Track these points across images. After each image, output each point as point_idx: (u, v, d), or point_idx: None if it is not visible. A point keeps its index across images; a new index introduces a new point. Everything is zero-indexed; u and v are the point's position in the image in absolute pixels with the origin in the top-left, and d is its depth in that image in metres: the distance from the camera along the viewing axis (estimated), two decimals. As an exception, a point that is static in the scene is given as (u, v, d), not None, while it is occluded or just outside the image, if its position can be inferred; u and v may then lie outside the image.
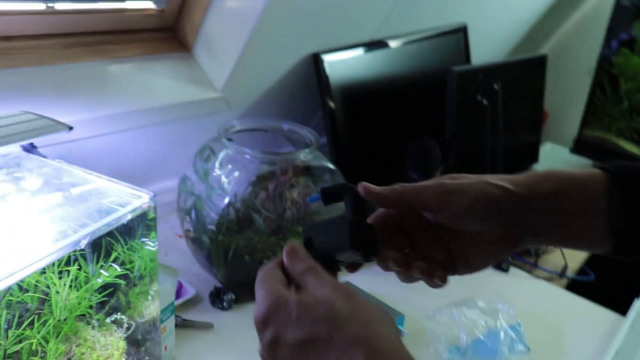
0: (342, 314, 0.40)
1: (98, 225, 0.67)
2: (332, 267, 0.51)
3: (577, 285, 1.35)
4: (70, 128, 0.74)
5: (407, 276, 0.53)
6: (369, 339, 0.38)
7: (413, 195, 0.51)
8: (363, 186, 0.51)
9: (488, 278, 1.25)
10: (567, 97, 2.32)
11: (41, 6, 1.01)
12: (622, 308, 1.14)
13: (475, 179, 0.51)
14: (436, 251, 0.53)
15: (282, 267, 0.47)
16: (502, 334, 0.97)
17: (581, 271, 1.37)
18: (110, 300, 0.76)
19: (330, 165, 1.08)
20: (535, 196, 0.49)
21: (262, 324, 0.42)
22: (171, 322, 0.90)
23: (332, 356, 0.38)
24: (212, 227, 1.01)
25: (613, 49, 2.04)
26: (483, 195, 0.49)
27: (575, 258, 1.39)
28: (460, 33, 1.72)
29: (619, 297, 1.18)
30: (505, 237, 0.51)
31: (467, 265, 0.53)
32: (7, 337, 0.60)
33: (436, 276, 0.52)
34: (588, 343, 1.05)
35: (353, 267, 0.53)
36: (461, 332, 0.96)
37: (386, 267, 0.53)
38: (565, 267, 1.32)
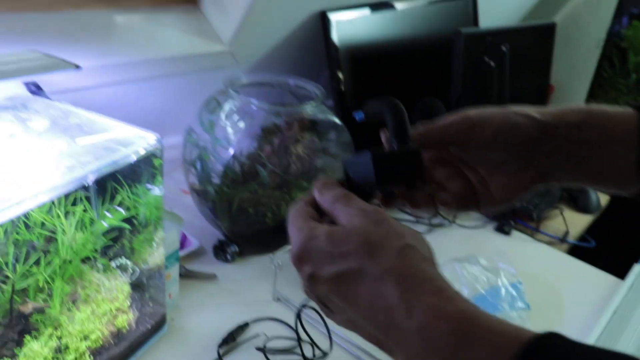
0: (372, 245, 0.39)
1: (105, 162, 0.67)
2: (370, 197, 0.49)
3: (578, 251, 1.35)
4: (78, 67, 0.73)
5: (420, 208, 0.52)
6: (399, 269, 0.38)
7: (439, 135, 0.50)
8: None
9: (489, 239, 1.26)
10: (575, 69, 2.30)
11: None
12: (621, 274, 1.14)
13: (500, 109, 0.50)
14: (455, 183, 0.53)
15: (312, 204, 0.46)
16: (503, 291, 0.97)
17: (582, 238, 1.38)
18: (115, 245, 0.76)
19: (336, 120, 1.08)
20: (562, 125, 0.48)
21: (298, 262, 0.42)
22: (175, 269, 0.91)
23: (366, 289, 0.38)
24: (217, 179, 1.01)
25: (624, 23, 2.02)
26: (508, 123, 0.48)
27: (576, 224, 1.40)
28: (470, -2, 1.70)
29: (618, 264, 1.19)
30: (528, 169, 0.50)
31: (491, 198, 0.52)
32: (15, 271, 0.61)
33: (449, 205, 0.52)
34: (587, 304, 1.06)
35: (387, 201, 0.51)
36: (462, 287, 0.97)
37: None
38: (566, 233, 1.32)
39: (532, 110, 0.49)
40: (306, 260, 0.41)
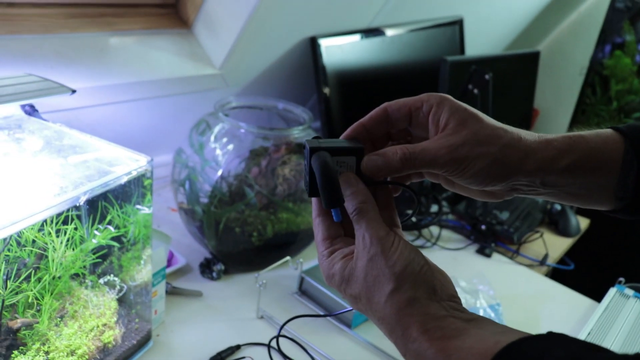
0: (368, 291, 0.45)
1: (98, 183, 0.69)
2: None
3: (557, 274, 1.39)
4: (73, 91, 0.76)
5: None
6: (388, 319, 0.43)
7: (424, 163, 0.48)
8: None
9: (471, 261, 1.29)
10: (559, 96, 2.36)
11: (46, -25, 1.04)
12: (598, 296, 1.17)
13: (495, 142, 0.47)
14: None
15: (324, 214, 0.50)
16: (481, 312, 1.00)
17: (561, 261, 1.41)
18: (104, 263, 0.78)
19: (323, 144, 1.11)
20: (552, 170, 0.48)
21: (328, 282, 0.50)
22: (162, 287, 0.93)
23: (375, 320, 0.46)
24: (205, 199, 1.03)
25: (606, 52, 2.08)
26: (498, 163, 0.47)
27: (556, 248, 1.43)
28: (456, 26, 1.75)
29: (597, 286, 1.22)
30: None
31: (452, 188, 0.53)
32: (5, 288, 0.63)
33: None
34: (564, 325, 1.09)
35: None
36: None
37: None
38: (546, 256, 1.35)
39: (525, 150, 0.48)
40: (332, 284, 0.49)
